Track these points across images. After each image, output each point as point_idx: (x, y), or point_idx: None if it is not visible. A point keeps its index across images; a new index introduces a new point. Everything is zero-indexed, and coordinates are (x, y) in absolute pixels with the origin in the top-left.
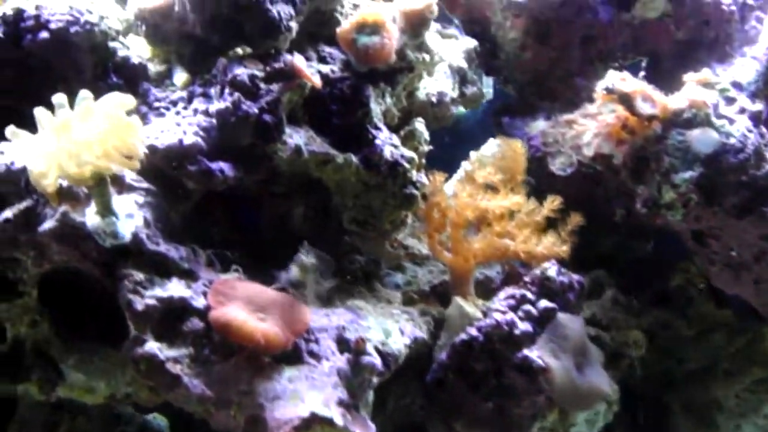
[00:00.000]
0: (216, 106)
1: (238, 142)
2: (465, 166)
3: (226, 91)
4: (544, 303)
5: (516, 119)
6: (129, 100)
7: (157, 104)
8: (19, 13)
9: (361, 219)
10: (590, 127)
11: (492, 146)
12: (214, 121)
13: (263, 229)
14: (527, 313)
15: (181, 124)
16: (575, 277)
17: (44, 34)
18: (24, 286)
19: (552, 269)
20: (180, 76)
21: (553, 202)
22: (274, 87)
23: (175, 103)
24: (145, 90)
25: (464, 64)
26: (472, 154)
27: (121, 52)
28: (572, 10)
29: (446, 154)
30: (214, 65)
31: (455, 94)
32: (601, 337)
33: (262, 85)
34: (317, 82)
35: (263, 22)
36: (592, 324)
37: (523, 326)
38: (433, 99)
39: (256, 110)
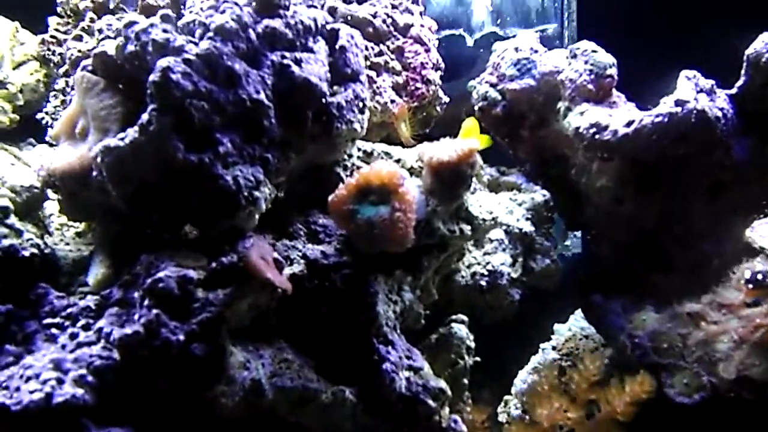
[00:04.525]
0: (121, 330)
1: (153, 387)
2: (517, 385)
3: (146, 303)
4: None
5: (612, 299)
6: None
7: (50, 320)
8: None
9: None
10: (729, 327)
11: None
12: (116, 355)
13: None
14: None
15: (63, 364)
16: None
17: None
18: None
19: None
20: (97, 271)
21: None
22: (218, 295)
23: (76, 319)
24: (38, 295)
25: (529, 228)
26: (538, 356)
27: (8, 241)
28: (691, 147)
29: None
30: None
31: (517, 272)
32: None
33: (200, 294)
34: (284, 284)
35: (212, 194)
36: None
37: None
38: (483, 283)
39: (181, 337)
